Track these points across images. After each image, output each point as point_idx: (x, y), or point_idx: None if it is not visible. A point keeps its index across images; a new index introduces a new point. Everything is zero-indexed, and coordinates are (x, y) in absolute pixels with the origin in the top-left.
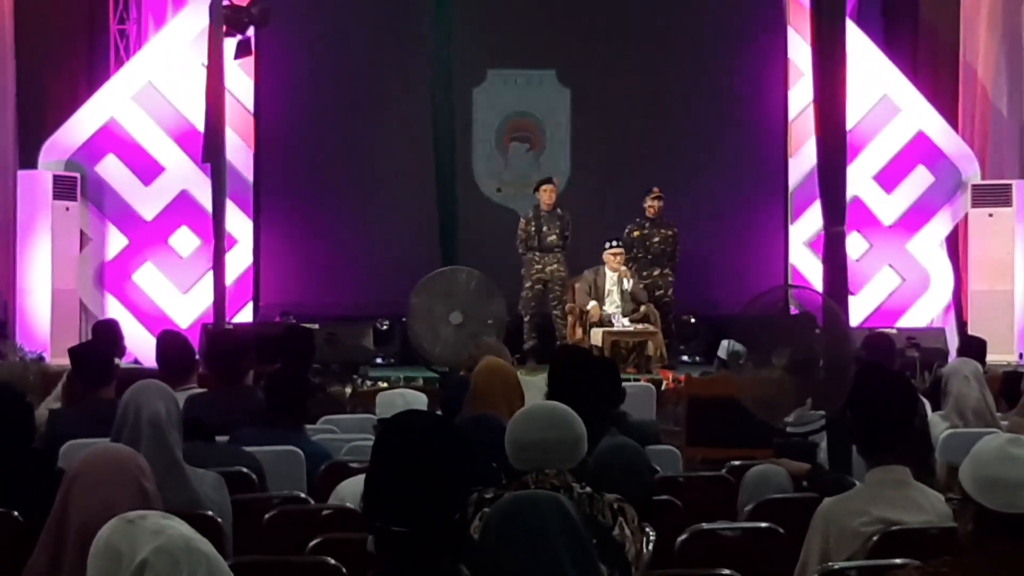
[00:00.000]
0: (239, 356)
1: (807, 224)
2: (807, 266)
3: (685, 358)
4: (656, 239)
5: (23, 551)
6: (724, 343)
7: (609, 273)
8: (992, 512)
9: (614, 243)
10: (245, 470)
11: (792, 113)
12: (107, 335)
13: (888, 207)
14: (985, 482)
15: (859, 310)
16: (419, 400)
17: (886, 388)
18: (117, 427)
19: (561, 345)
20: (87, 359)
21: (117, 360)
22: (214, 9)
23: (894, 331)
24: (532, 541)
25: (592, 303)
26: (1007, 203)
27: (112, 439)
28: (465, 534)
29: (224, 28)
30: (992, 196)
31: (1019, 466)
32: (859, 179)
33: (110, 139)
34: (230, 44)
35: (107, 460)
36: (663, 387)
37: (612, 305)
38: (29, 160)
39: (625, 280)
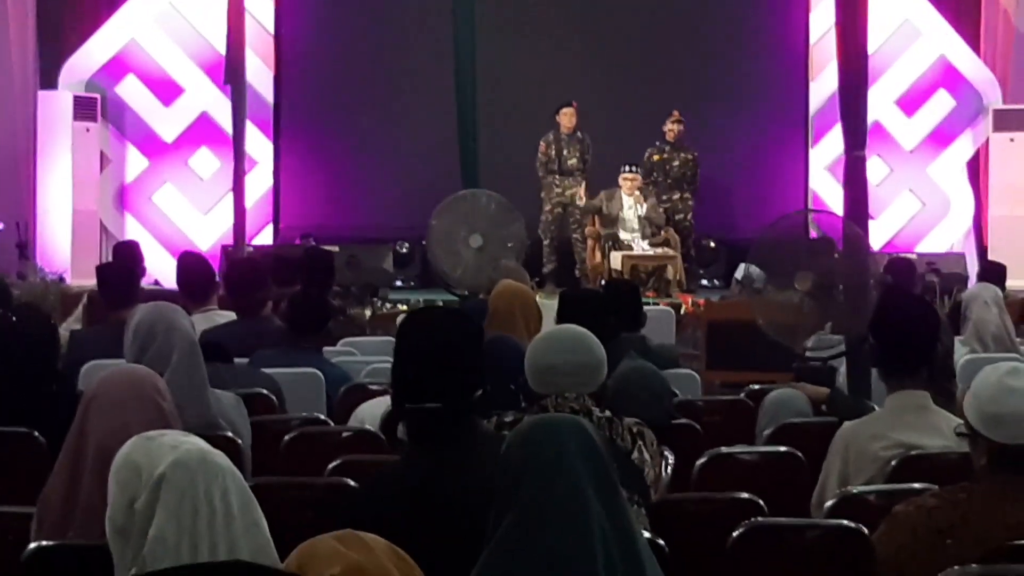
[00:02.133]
0: (258, 287)
1: (827, 148)
2: (827, 190)
3: (705, 282)
4: (676, 163)
5: (45, 471)
6: (741, 266)
7: (625, 197)
8: (1002, 446)
9: (630, 168)
10: (264, 392)
11: (813, 37)
12: (128, 256)
13: (909, 131)
14: (990, 418)
15: (879, 235)
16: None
17: (909, 313)
18: (141, 345)
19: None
20: (111, 279)
21: None
22: None
23: (914, 256)
24: (553, 465)
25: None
26: None
27: (133, 358)
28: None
29: None
30: (1014, 121)
31: (1020, 397)
32: (880, 103)
33: (130, 60)
34: None
35: (124, 381)
36: (682, 311)
37: (629, 230)
38: (49, 81)
39: (640, 205)
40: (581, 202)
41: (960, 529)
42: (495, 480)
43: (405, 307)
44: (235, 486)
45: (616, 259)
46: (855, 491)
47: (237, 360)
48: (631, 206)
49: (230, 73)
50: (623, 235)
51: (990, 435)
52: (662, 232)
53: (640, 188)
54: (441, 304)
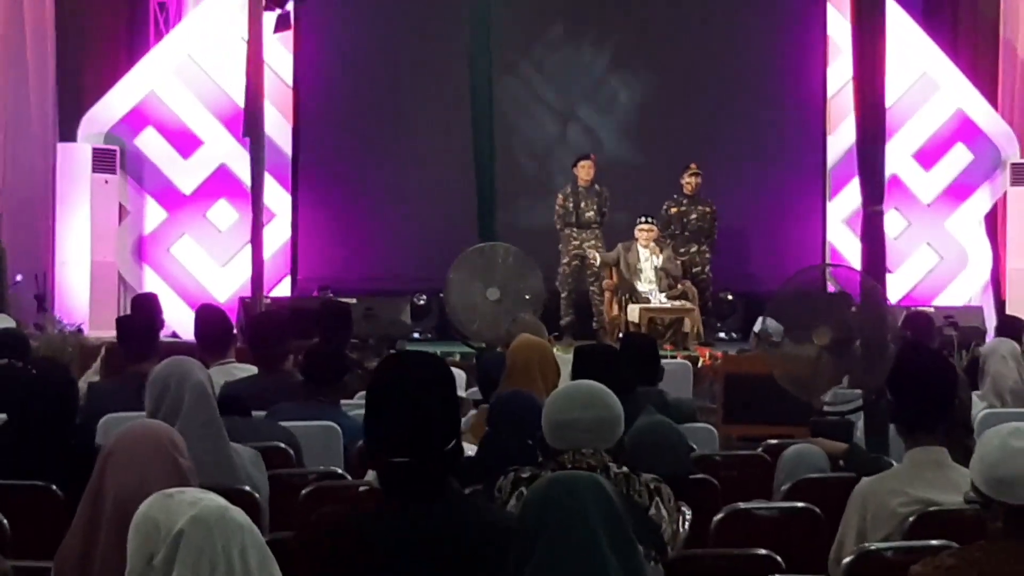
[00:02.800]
0: (279, 340)
1: (845, 202)
2: (845, 244)
3: (722, 335)
4: (693, 216)
5: (62, 525)
6: (760, 320)
7: (641, 249)
8: (1016, 507)
9: (646, 219)
10: (282, 445)
11: (831, 90)
12: (147, 308)
13: (927, 185)
14: (1000, 482)
15: (897, 288)
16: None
17: (928, 368)
18: (156, 400)
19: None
20: (131, 332)
21: None
22: None
23: (931, 309)
24: (571, 523)
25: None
26: None
27: (150, 413)
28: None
29: (263, 2)
30: None
31: None
32: (898, 157)
33: (149, 112)
34: (269, 18)
35: (142, 436)
36: (700, 364)
37: (646, 282)
38: (69, 133)
39: (656, 257)
40: (596, 261)
41: None
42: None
43: None
44: (253, 542)
45: (633, 312)
46: (873, 547)
47: (256, 413)
48: (647, 258)
49: (249, 125)
50: (640, 287)
51: (1003, 498)
52: (679, 285)
53: (656, 239)
54: (455, 357)
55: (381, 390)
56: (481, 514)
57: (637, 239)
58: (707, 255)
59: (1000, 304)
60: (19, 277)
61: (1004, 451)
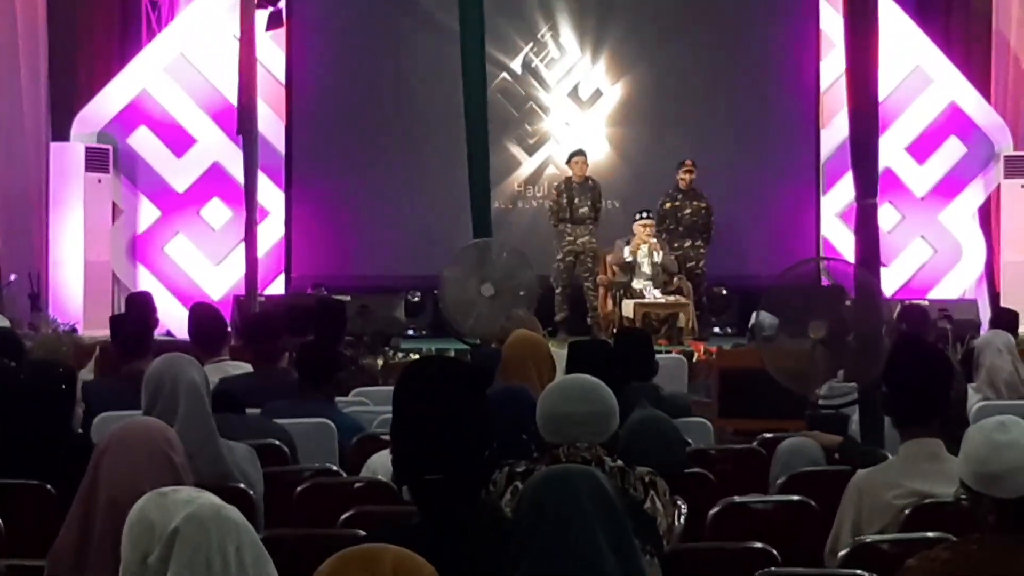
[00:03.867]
0: (274, 338)
1: (839, 195)
2: (839, 238)
3: (717, 330)
4: (688, 211)
5: (56, 524)
6: (754, 314)
7: (640, 246)
8: (1007, 501)
9: (643, 215)
10: (276, 442)
11: (824, 84)
12: (141, 307)
13: (920, 178)
14: (987, 478)
15: (891, 282)
16: None
17: (923, 360)
18: (151, 397)
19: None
20: (125, 331)
21: None
22: None
23: (926, 303)
24: (566, 516)
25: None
26: None
27: (145, 410)
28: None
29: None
30: None
31: (1013, 450)
32: (891, 150)
33: (142, 111)
34: (262, 16)
35: (136, 434)
36: (695, 359)
37: (643, 278)
38: (61, 132)
39: (656, 253)
40: (603, 257)
41: None
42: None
43: (417, 356)
44: (248, 540)
45: (628, 307)
46: (869, 540)
47: (250, 411)
48: (646, 253)
49: (242, 123)
50: (636, 283)
51: (992, 493)
52: (674, 280)
53: (655, 235)
54: (450, 353)
55: (408, 405)
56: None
57: (636, 234)
58: (701, 250)
59: (994, 297)
60: (13, 277)
61: (989, 446)
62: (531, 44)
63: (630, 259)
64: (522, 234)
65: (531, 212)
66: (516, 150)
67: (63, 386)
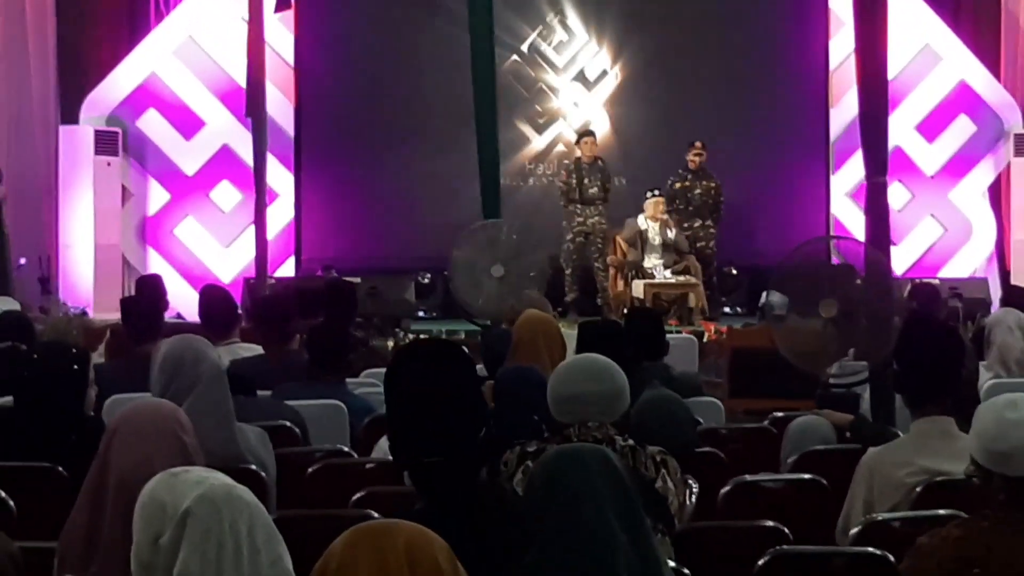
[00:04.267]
0: (285, 320)
1: (849, 175)
2: (849, 217)
3: (727, 310)
4: (698, 191)
5: (68, 506)
6: (764, 294)
7: (651, 223)
8: (1017, 479)
9: (654, 192)
10: (288, 424)
11: (833, 63)
12: (151, 290)
13: (930, 157)
14: (999, 456)
15: (901, 260)
16: None
17: (934, 338)
18: (168, 377)
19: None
20: (135, 313)
21: None
22: None
23: (936, 281)
24: (578, 495)
25: (629, 249)
26: None
27: (161, 389)
28: (507, 486)
29: None
30: None
31: (1023, 428)
32: (901, 129)
33: (151, 94)
34: None
35: (147, 415)
36: (705, 339)
37: (654, 256)
38: (70, 116)
39: (669, 230)
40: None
41: (986, 559)
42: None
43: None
44: (260, 521)
45: (638, 288)
46: (880, 518)
47: (261, 393)
48: (657, 232)
49: (251, 106)
50: (647, 261)
51: (1003, 471)
52: (684, 260)
53: (665, 213)
54: (460, 335)
55: (402, 387)
56: (506, 503)
57: (645, 211)
58: (711, 230)
59: (1005, 275)
60: (23, 260)
61: (1000, 424)
62: (540, 28)
63: (644, 227)
64: (531, 210)
65: (540, 189)
66: (526, 128)
67: (75, 367)
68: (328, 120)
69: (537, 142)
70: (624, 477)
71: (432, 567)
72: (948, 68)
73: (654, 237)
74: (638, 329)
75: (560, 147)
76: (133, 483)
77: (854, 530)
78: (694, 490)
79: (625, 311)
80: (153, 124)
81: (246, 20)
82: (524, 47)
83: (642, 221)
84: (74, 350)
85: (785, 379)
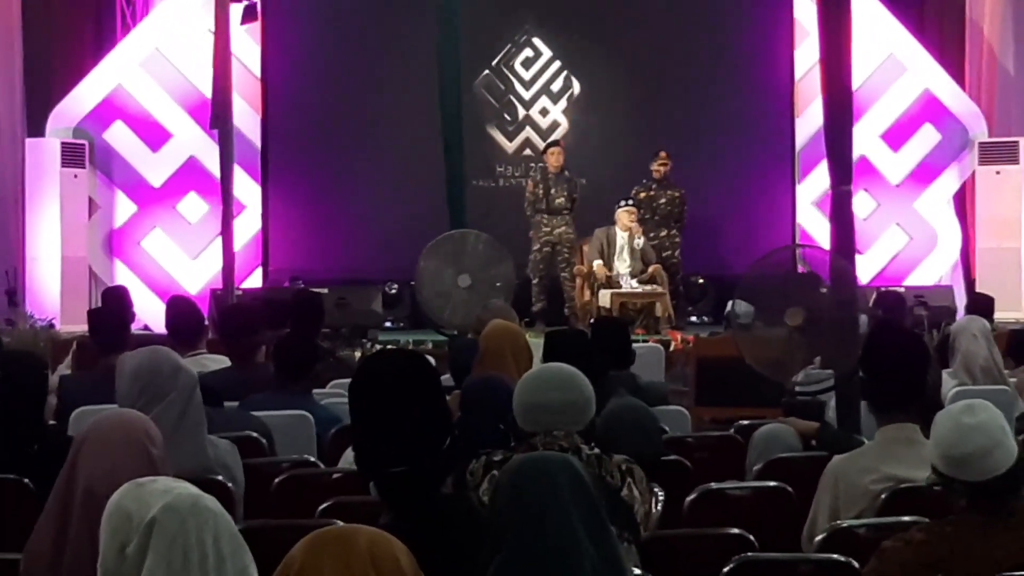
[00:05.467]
0: (251, 332)
1: (814, 184)
2: (815, 226)
3: (693, 319)
4: (663, 200)
5: (34, 519)
6: (730, 303)
7: (620, 232)
8: (978, 484)
9: (627, 202)
10: (254, 435)
11: (798, 73)
12: (118, 302)
13: (895, 166)
14: (958, 461)
15: (867, 269)
16: None
17: (900, 346)
18: (140, 387)
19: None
20: (102, 325)
21: None
22: None
23: (902, 289)
24: (543, 504)
25: (597, 262)
26: (1014, 160)
27: (130, 399)
28: (474, 495)
29: None
30: (999, 154)
31: (980, 433)
32: (866, 138)
33: (118, 106)
34: (236, 9)
35: (115, 426)
36: (671, 348)
37: (622, 265)
38: (37, 128)
39: (637, 238)
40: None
41: (948, 563)
42: (485, 518)
43: (395, 348)
44: (226, 531)
45: (605, 297)
46: (845, 525)
47: (228, 404)
48: (626, 240)
49: (217, 117)
50: (614, 271)
51: (964, 476)
52: (649, 269)
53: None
54: (428, 345)
55: (366, 398)
56: (472, 515)
57: (618, 220)
58: (677, 239)
59: (970, 284)
60: None
61: (958, 430)
62: (508, 46)
63: (622, 243)
64: (501, 212)
65: (510, 191)
66: (496, 134)
67: (34, 378)
68: (295, 131)
69: (508, 145)
70: (590, 486)
71: (395, 567)
72: (913, 77)
73: (623, 245)
74: (605, 338)
75: (527, 150)
76: (100, 493)
77: (819, 537)
78: (660, 498)
79: (592, 321)
80: (120, 136)
81: (212, 32)
82: (496, 63)
83: (613, 231)
84: (32, 360)
85: (751, 387)
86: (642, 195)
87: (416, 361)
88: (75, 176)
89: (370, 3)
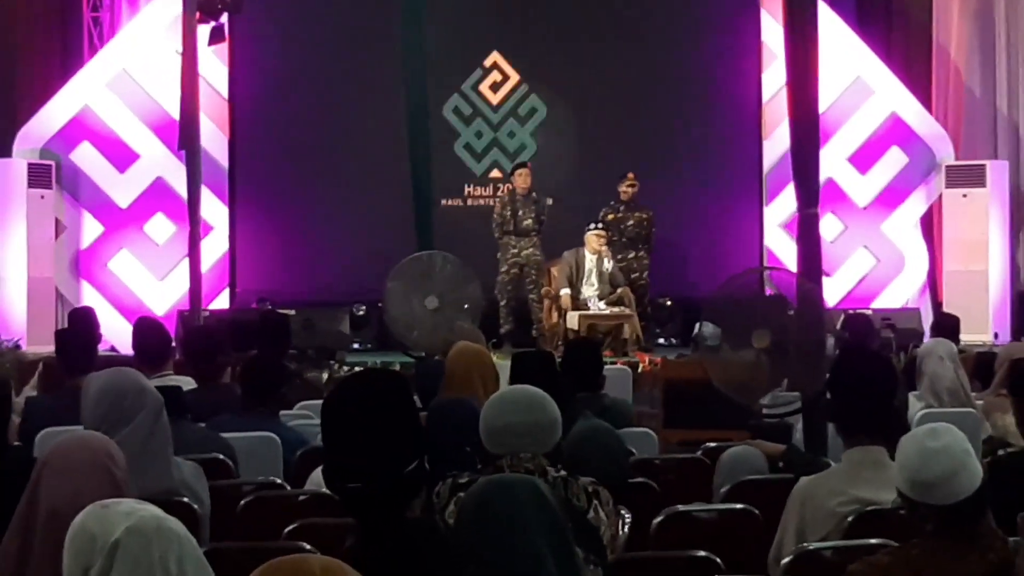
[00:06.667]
0: (216, 353)
1: (781, 206)
2: (782, 248)
3: (661, 341)
4: (630, 222)
5: None
6: (698, 325)
7: (588, 255)
8: (944, 508)
9: (596, 225)
10: (221, 456)
11: (765, 96)
12: (84, 323)
13: (862, 188)
14: (922, 486)
15: (834, 291)
16: None
17: (867, 369)
18: (104, 409)
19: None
20: (69, 346)
21: None
22: None
23: (869, 312)
24: (508, 525)
25: (564, 290)
26: (981, 184)
27: (95, 422)
28: (440, 518)
29: (197, 15)
30: (966, 177)
31: (944, 457)
32: (833, 161)
33: (85, 127)
34: (204, 31)
35: (77, 447)
36: (639, 370)
37: (590, 289)
38: (3, 149)
39: (606, 260)
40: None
41: None
42: (450, 540)
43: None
44: (190, 553)
45: (573, 319)
46: (812, 547)
47: (194, 426)
48: (595, 263)
49: (184, 138)
50: (586, 290)
51: (930, 500)
52: (617, 291)
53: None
54: (395, 366)
55: (335, 413)
56: (438, 538)
57: (587, 243)
58: (645, 261)
59: (937, 306)
60: None
61: (922, 455)
62: (477, 70)
63: (590, 266)
64: (469, 233)
65: (478, 211)
66: (465, 155)
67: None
68: (262, 152)
69: (476, 166)
70: (555, 508)
71: None
72: (880, 100)
73: (591, 268)
74: (578, 360)
75: (495, 170)
76: (63, 515)
77: (786, 559)
78: (627, 520)
79: (559, 343)
80: (87, 157)
81: (180, 53)
82: (465, 88)
83: (582, 253)
84: None
85: (718, 410)
86: (610, 217)
87: (392, 378)
88: (42, 197)
89: (338, 26)
